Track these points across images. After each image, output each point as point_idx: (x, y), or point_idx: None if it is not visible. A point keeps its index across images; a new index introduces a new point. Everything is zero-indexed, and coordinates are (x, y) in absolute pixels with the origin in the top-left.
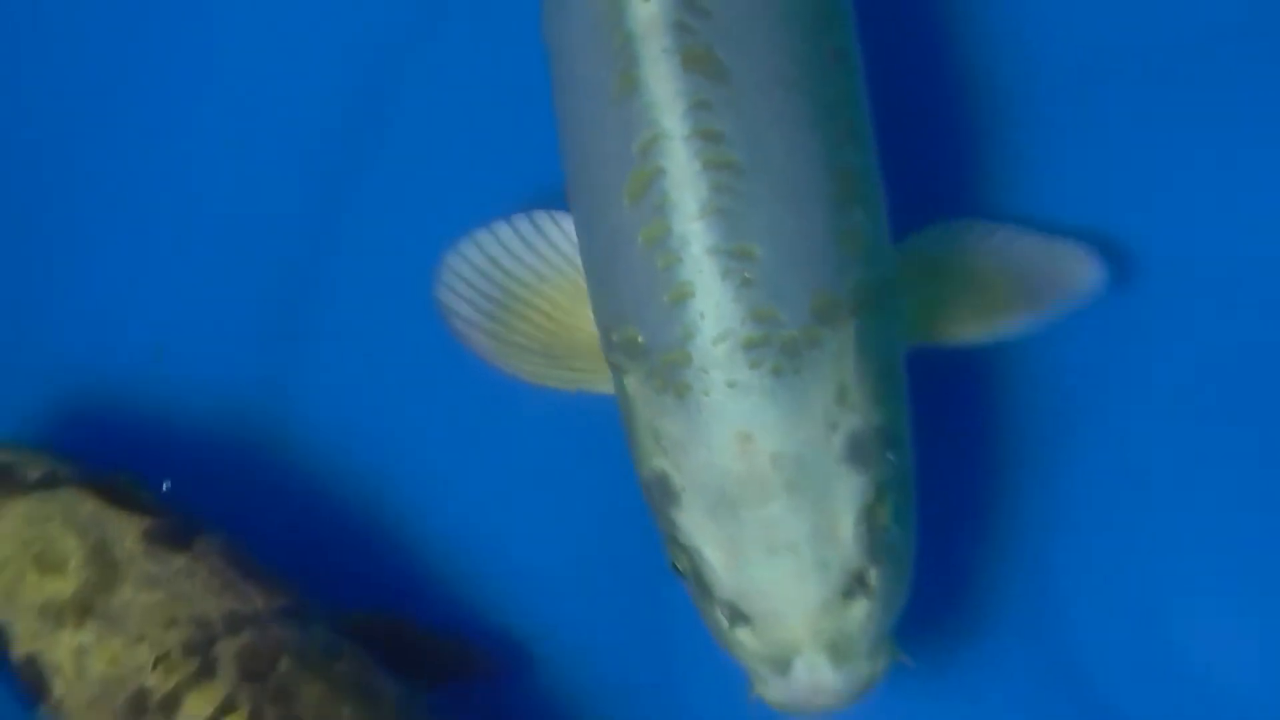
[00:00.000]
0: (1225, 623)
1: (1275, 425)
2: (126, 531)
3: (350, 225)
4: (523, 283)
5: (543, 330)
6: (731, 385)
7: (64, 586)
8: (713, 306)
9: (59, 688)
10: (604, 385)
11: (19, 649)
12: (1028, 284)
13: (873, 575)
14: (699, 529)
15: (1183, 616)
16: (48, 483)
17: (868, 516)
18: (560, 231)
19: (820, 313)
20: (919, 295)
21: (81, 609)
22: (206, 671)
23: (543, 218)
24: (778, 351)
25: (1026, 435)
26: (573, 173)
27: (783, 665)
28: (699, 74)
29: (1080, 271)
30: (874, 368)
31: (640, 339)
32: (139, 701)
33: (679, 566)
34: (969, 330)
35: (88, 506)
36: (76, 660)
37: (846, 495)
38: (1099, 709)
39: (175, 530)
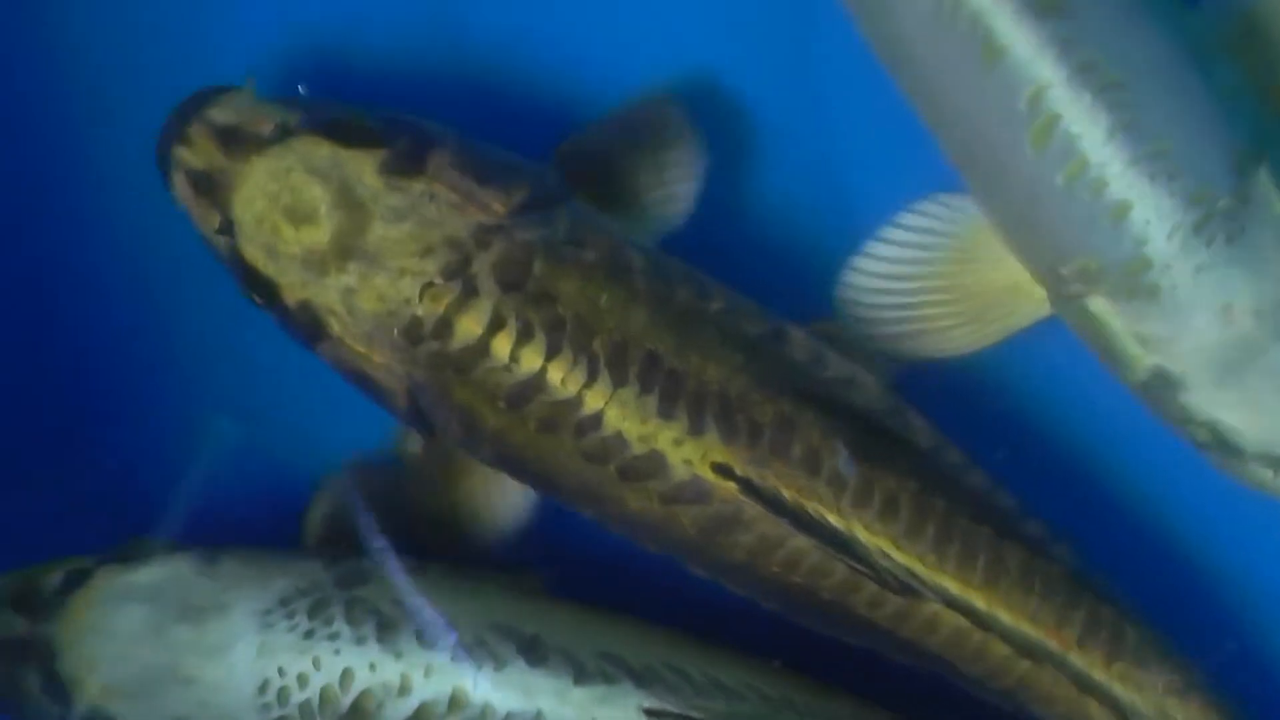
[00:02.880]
0: None
1: None
2: (364, 168)
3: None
4: (927, 270)
5: (961, 300)
6: (1197, 269)
7: (319, 235)
8: (1154, 210)
9: (335, 327)
10: (1024, 320)
11: (290, 298)
12: None
13: None
14: (1210, 402)
15: None
16: (279, 137)
17: None
18: (939, 213)
19: (1240, 168)
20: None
21: (340, 253)
22: (470, 291)
23: (913, 215)
24: (1221, 221)
25: None
26: (961, 151)
27: None
28: (1050, 20)
29: None
30: None
31: (1094, 265)
32: (413, 331)
33: (1199, 441)
34: None
35: (323, 151)
36: (345, 301)
37: None
38: None
39: (408, 154)
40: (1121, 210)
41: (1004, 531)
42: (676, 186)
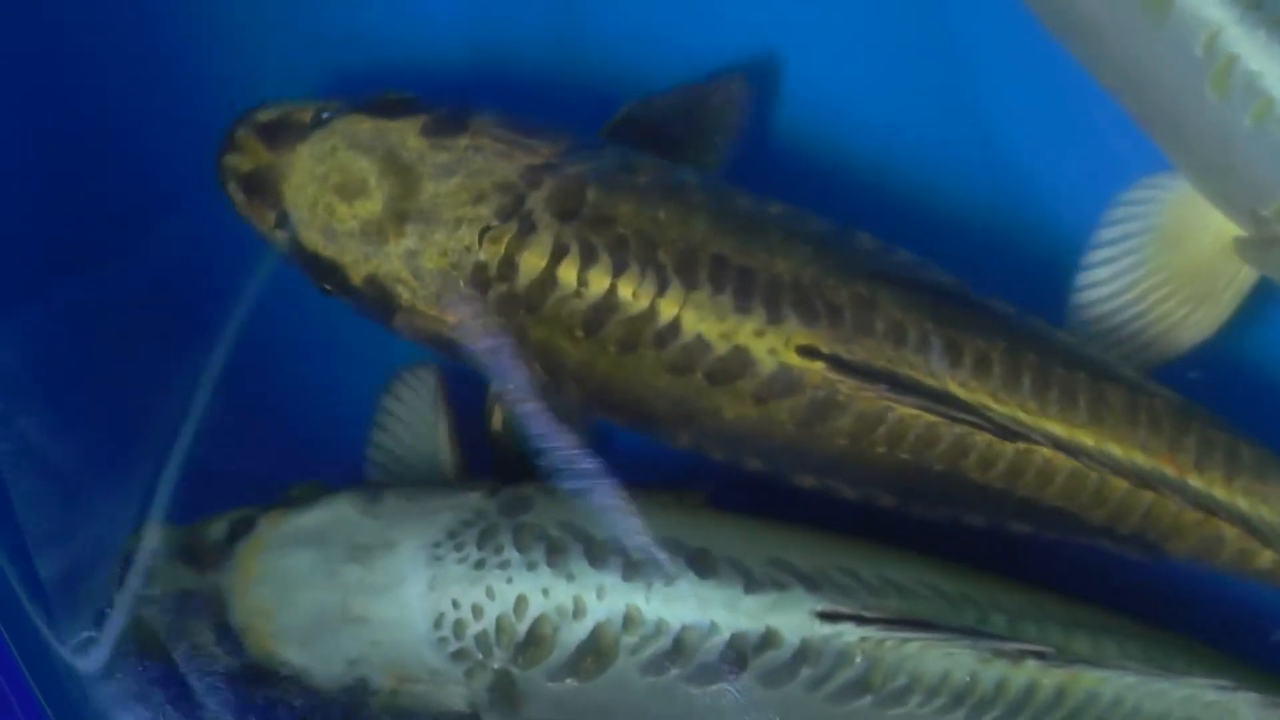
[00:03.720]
0: None
1: None
2: (407, 134)
3: None
4: (1145, 272)
5: (1185, 285)
6: None
7: (373, 205)
8: None
9: (404, 295)
10: (1250, 276)
11: (356, 275)
12: None
13: None
14: None
15: None
16: (320, 121)
17: None
18: (1135, 209)
19: None
20: None
21: (396, 218)
22: (528, 228)
23: (1112, 218)
24: None
25: None
26: (1145, 111)
27: None
28: None
29: None
30: None
31: None
32: (479, 278)
33: None
34: None
35: (365, 127)
36: (410, 264)
37: None
38: None
39: (449, 117)
40: None
41: (1101, 375)
42: (720, 140)
